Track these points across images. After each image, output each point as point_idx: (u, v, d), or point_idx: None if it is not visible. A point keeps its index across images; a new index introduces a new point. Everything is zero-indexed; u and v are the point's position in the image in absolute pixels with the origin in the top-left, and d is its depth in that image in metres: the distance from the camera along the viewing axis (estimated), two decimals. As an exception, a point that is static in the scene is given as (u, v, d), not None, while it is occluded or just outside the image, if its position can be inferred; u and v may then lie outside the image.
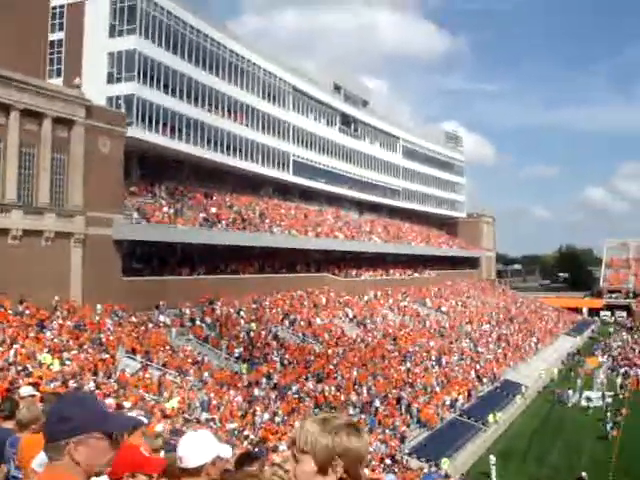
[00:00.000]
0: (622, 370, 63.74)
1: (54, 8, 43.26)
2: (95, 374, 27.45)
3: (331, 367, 42.03)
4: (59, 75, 42.94)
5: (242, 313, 44.67)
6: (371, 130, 79.97)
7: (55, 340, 29.04)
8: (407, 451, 36.95)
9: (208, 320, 41.19)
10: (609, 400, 51.63)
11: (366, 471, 25.51)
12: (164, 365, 32.54)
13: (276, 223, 55.91)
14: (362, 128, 77.72)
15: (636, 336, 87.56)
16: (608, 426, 44.11)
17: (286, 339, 44.22)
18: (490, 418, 44.67)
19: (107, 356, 29.79)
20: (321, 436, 2.38)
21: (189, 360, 34.65)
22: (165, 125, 45.66)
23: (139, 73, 43.07)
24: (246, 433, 28.40)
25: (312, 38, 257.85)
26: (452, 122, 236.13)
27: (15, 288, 30.34)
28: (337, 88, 74.63)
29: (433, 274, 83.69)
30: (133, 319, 36.01)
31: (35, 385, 14.55)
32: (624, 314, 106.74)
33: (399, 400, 41.71)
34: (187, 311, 40.87)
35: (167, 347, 34.93)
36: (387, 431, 37.29)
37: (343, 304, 57.36)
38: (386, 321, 58.68)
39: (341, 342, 47.88)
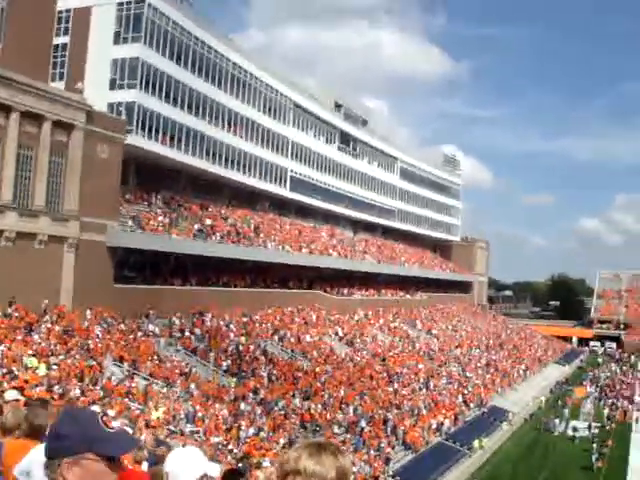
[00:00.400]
0: (609, 401, 63.68)
1: (60, 12, 43.26)
2: (81, 380, 27.23)
3: (318, 385, 41.81)
4: (61, 79, 42.99)
5: (232, 326, 44.48)
6: (370, 150, 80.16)
7: (42, 344, 28.85)
8: (391, 473, 36.70)
9: (197, 331, 40.98)
10: (595, 431, 51.57)
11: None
12: (151, 375, 32.32)
13: (270, 238, 55.82)
14: (361, 147, 77.90)
15: (625, 368, 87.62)
16: (593, 457, 43.98)
17: (275, 354, 44.00)
18: (476, 443, 44.47)
19: (94, 363, 29.57)
20: (287, 452, 2.32)
21: (176, 371, 34.43)
22: (165, 134, 45.66)
23: (141, 81, 43.11)
24: (230, 447, 28.19)
25: (315, 55, 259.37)
26: (451, 145, 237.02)
27: (5, 290, 30.14)
28: (338, 106, 74.83)
29: (425, 296, 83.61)
30: (122, 327, 35.80)
31: (20, 389, 14.38)
32: (614, 345, 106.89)
33: (385, 421, 41.49)
34: (177, 321, 40.66)
35: (155, 357, 34.70)
36: (372, 452, 37.04)
37: (333, 322, 57.19)
38: (376, 341, 58.50)
39: (330, 360, 47.68)
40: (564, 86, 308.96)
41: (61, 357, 28.36)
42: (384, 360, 53.39)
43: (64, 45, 44.08)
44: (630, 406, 61.19)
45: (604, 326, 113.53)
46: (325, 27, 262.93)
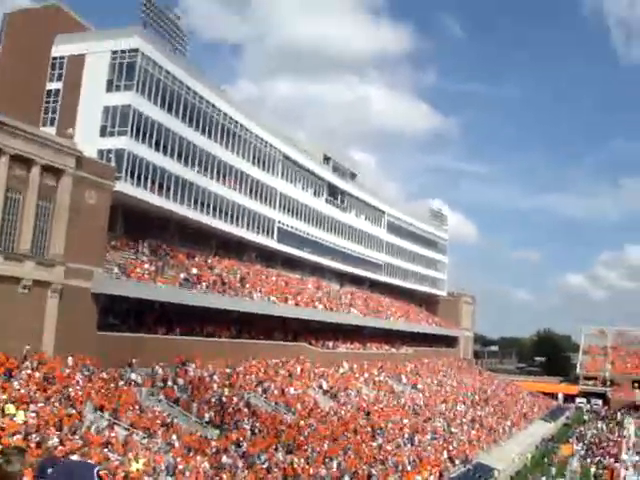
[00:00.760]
0: (596, 459, 63.01)
1: (54, 59, 43.78)
2: (60, 429, 26.62)
3: (302, 438, 41.12)
4: (52, 124, 43.18)
5: (215, 377, 43.88)
6: (357, 203, 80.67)
7: (22, 391, 28.25)
8: (375, 531, 35.93)
9: (180, 382, 40.37)
10: (582, 490, 50.86)
11: None
12: (132, 425, 31.68)
13: (256, 289, 55.56)
14: (349, 200, 78.35)
15: (611, 425, 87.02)
16: (580, 517, 43.29)
17: (258, 407, 43.35)
18: (461, 501, 43.73)
19: (74, 411, 28.96)
20: None
21: (158, 421, 33.78)
22: (153, 182, 45.69)
23: (132, 129, 43.30)
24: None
25: (305, 108, 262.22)
26: (437, 200, 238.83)
27: (-14, 335, 29.65)
28: (326, 159, 75.46)
29: (410, 350, 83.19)
30: (104, 375, 35.21)
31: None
32: (599, 402, 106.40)
33: (369, 477, 40.73)
34: (160, 371, 40.08)
35: (136, 406, 34.07)
36: (355, 508, 36.30)
37: (318, 375, 56.61)
38: (360, 395, 57.86)
39: (314, 414, 47.03)
40: (551, 143, 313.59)
41: (40, 404, 27.75)
42: (368, 414, 52.74)
43: (57, 91, 44.44)
44: (617, 464, 60.50)
45: (590, 382, 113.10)
46: (315, 81, 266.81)
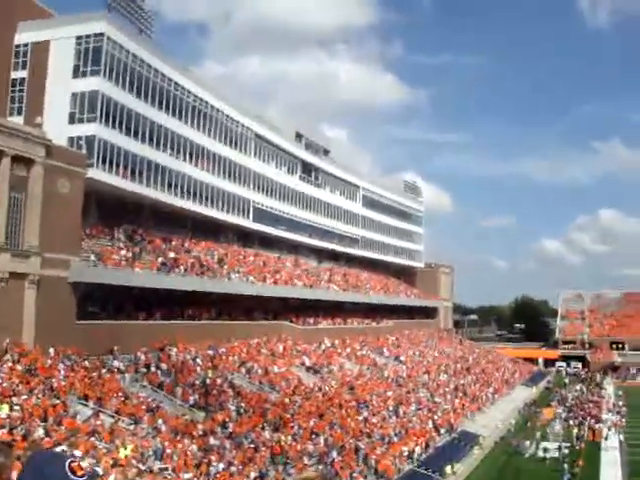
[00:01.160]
0: (577, 421, 64.04)
1: (18, 46, 43.02)
2: (45, 420, 26.54)
3: (288, 416, 41.33)
4: (20, 114, 42.50)
5: (198, 360, 43.89)
6: (332, 179, 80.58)
7: (4, 384, 28.09)
8: (364, 503, 36.32)
9: (163, 366, 40.33)
10: (565, 451, 51.69)
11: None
12: (117, 412, 31.64)
13: (235, 269, 55.50)
14: (323, 177, 78.24)
15: (591, 387, 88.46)
16: (565, 477, 44.02)
17: (242, 387, 43.49)
18: (447, 469, 44.24)
19: (58, 402, 28.87)
20: None
21: (143, 407, 33.77)
22: (126, 167, 45.28)
23: (101, 114, 42.79)
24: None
25: (274, 85, 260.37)
26: (411, 172, 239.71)
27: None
28: (299, 136, 75.16)
29: (391, 323, 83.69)
30: (86, 364, 35.08)
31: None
32: (579, 365, 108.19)
33: (356, 450, 41.11)
34: (142, 357, 40.01)
35: (120, 393, 34.01)
36: (344, 482, 36.62)
37: (300, 352, 56.83)
38: (343, 370, 58.21)
39: (298, 391, 47.26)
40: (521, 110, 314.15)
41: (24, 397, 27.62)
42: (352, 389, 53.10)
43: (22, 79, 43.65)
44: (598, 425, 61.61)
45: (569, 346, 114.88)
46: (283, 57, 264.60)
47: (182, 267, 48.33)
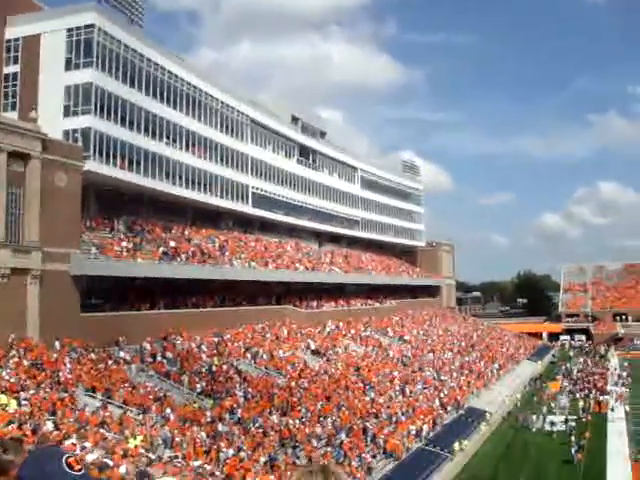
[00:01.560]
0: (583, 393, 64.37)
1: (8, 41, 42.80)
2: (54, 414, 26.67)
3: (295, 400, 41.53)
4: (14, 109, 42.36)
5: (203, 347, 44.05)
6: (329, 161, 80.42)
7: (11, 380, 28.20)
8: (374, 482, 36.57)
9: (169, 355, 40.50)
10: (572, 424, 52.02)
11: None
12: (125, 402, 31.79)
13: (236, 255, 55.56)
14: (320, 159, 78.08)
15: (596, 359, 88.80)
16: (573, 450, 44.29)
17: (249, 373, 43.66)
18: (456, 446, 44.50)
19: (66, 395, 29.00)
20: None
21: (150, 397, 33.91)
22: (123, 158, 45.18)
23: (96, 106, 42.64)
24: (212, 470, 27.78)
25: (268, 69, 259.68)
26: (409, 152, 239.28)
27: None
28: (295, 120, 74.93)
29: (394, 303, 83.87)
30: (92, 356, 35.21)
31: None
32: (583, 337, 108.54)
33: (364, 431, 41.32)
34: (147, 346, 40.15)
35: (127, 384, 34.16)
36: (353, 463, 36.83)
37: (305, 336, 57.00)
38: (348, 352, 58.40)
39: (304, 374, 47.44)
40: (516, 87, 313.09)
41: (32, 392, 27.74)
42: (358, 370, 53.31)
43: (15, 74, 43.46)
44: (604, 396, 61.89)
45: (572, 319, 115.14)
46: (277, 41, 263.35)
47: (183, 256, 48.37)
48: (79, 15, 43.02)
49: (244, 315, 52.57)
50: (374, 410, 45.49)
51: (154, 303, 45.24)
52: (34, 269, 33.90)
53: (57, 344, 33.76)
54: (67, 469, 2.49)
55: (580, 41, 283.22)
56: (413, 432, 44.61)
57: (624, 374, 74.34)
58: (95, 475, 17.32)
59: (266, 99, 75.89)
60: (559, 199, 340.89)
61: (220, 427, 33.60)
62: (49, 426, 24.98)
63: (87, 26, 42.72)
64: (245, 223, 65.09)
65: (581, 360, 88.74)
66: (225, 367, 42.41)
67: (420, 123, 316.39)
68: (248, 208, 61.98)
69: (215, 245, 54.91)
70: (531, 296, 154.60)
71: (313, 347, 54.94)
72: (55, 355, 32.93)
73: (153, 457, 25.44)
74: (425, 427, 46.00)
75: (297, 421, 38.47)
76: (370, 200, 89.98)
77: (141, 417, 30.74)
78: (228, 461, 29.88)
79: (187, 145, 52.66)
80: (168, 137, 50.21)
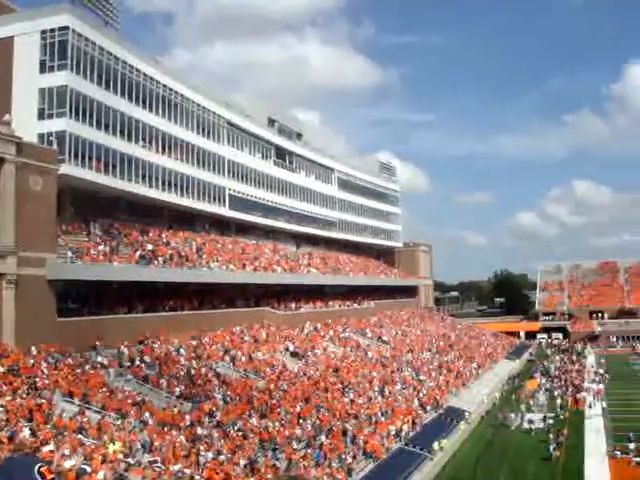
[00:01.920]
0: (561, 391, 64.90)
1: (-19, 44, 42.37)
2: (30, 420, 26.38)
3: (274, 402, 41.44)
4: (-13, 112, 41.88)
5: (182, 351, 43.83)
6: (306, 162, 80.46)
7: (-13, 386, 27.87)
8: (354, 484, 36.57)
9: (147, 359, 40.24)
10: (550, 421, 52.43)
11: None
12: (103, 407, 31.52)
13: (213, 258, 55.37)
14: (297, 161, 78.09)
15: (573, 357, 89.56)
16: (551, 447, 44.63)
17: (227, 375, 43.52)
18: (436, 446, 44.63)
19: (43, 401, 28.71)
20: None
21: (129, 401, 33.66)
22: (98, 161, 44.86)
23: (71, 109, 42.28)
24: (192, 473, 27.63)
25: (242, 71, 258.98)
26: (386, 153, 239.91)
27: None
28: (271, 122, 74.93)
29: (372, 304, 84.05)
30: (69, 361, 34.88)
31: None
32: (560, 336, 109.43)
33: (344, 432, 41.33)
34: (125, 351, 39.85)
35: (105, 389, 33.88)
36: (334, 464, 36.82)
37: (283, 337, 56.92)
38: (327, 353, 58.41)
39: (283, 376, 47.37)
40: (491, 87, 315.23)
41: (8, 398, 27.43)
42: (337, 371, 53.32)
43: (-13, 77, 42.98)
44: (581, 394, 62.44)
45: (549, 318, 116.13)
46: (251, 42, 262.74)
47: (161, 259, 48.12)
48: (53, 17, 42.63)
49: (222, 318, 52.41)
50: (353, 411, 45.51)
51: (132, 307, 44.93)
52: (9, 274, 33.54)
53: (34, 349, 33.40)
54: (39, 478, 2.46)
55: (553, 41, 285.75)
56: (393, 432, 44.68)
57: (601, 371, 75.10)
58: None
59: (242, 101, 75.88)
60: (535, 198, 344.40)
61: (199, 430, 33.43)
62: (26, 433, 24.70)
63: (61, 28, 42.35)
64: (222, 225, 64.92)
65: (558, 358, 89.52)
66: (204, 370, 42.23)
67: (397, 123, 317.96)
68: (225, 210, 61.82)
69: (192, 248, 54.69)
70: (508, 295, 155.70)
71: (292, 349, 54.88)
72: (32, 361, 32.57)
73: (132, 462, 25.27)
74: (405, 427, 46.09)
75: (277, 423, 38.35)
76: (347, 201, 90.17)
77: (120, 422, 30.50)
78: (208, 464, 29.73)
79: (163, 147, 52.43)
80: (144, 139, 49.95)
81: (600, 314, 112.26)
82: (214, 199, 59.93)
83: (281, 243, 76.05)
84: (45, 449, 22.20)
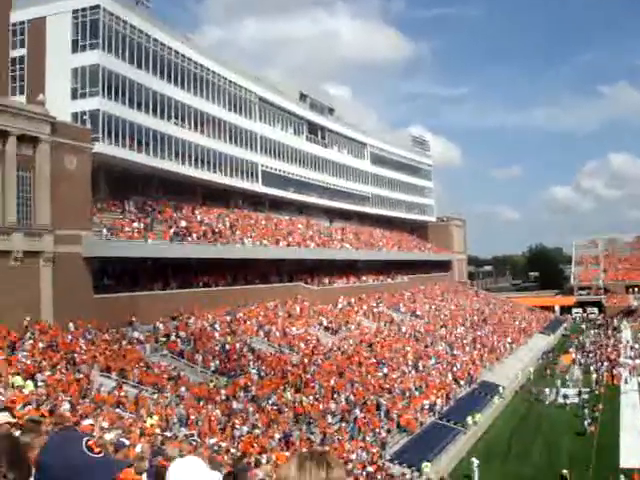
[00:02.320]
0: (596, 366, 64.40)
1: (14, 25, 42.62)
2: (70, 394, 26.93)
3: (308, 376, 41.80)
4: (22, 92, 42.26)
5: (216, 326, 44.31)
6: (338, 138, 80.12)
7: (27, 362, 28.48)
8: (388, 457, 36.85)
9: (182, 335, 40.76)
10: (585, 396, 52.16)
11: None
12: (140, 382, 32.10)
13: (247, 234, 55.65)
14: (329, 136, 77.80)
15: (608, 331, 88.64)
16: (586, 422, 44.47)
17: (262, 350, 43.92)
18: (469, 420, 44.75)
19: (81, 376, 29.28)
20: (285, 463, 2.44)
21: (165, 376, 34.22)
22: (132, 139, 45.22)
23: (103, 88, 42.60)
24: (227, 447, 28.05)
25: (274, 47, 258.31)
26: (418, 127, 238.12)
27: (-16, 311, 29.73)
28: (303, 97, 74.62)
29: (406, 279, 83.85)
30: (106, 337, 35.48)
31: (9, 410, 14.10)
32: (595, 310, 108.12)
33: (378, 406, 41.59)
34: (161, 326, 40.41)
35: (142, 364, 34.45)
36: (367, 438, 37.14)
37: (317, 313, 57.19)
38: (361, 328, 58.60)
39: (317, 351, 47.69)
40: (523, 60, 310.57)
41: (47, 373, 28.02)
42: (371, 346, 53.51)
43: (21, 58, 43.34)
44: (616, 369, 61.93)
45: (584, 292, 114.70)
46: (282, 18, 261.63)
47: (195, 235, 48.49)
48: (84, -4, 42.83)
49: (256, 293, 52.76)
50: (387, 386, 45.74)
51: (166, 283, 45.49)
52: (46, 252, 34.08)
53: (71, 325, 34.02)
54: (88, 452, 2.54)
55: (590, 12, 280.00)
56: (427, 407, 44.88)
57: (637, 346, 74.27)
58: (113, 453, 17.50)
59: (273, 76, 75.74)
60: (569, 171, 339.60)
61: (234, 405, 33.91)
62: (66, 407, 25.24)
63: (92, 7, 42.55)
64: (255, 201, 65.09)
65: (593, 333, 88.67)
66: (238, 345, 42.67)
67: (428, 97, 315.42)
68: (258, 186, 61.96)
69: (226, 224, 54.98)
70: (543, 270, 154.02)
71: (325, 324, 55.14)
72: (70, 337, 33.21)
73: (169, 435, 25.70)
74: (438, 401, 46.24)
75: (311, 398, 38.73)
76: (380, 176, 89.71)
77: (156, 396, 31.03)
78: (243, 438, 30.18)
79: (195, 124, 52.60)
80: (176, 117, 50.15)
81: (636, 288, 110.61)
82: (247, 175, 60.08)
83: (314, 218, 76.05)
84: (85, 422, 22.67)
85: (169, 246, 44.96)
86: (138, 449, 20.05)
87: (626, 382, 57.15)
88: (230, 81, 58.09)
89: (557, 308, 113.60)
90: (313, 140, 73.75)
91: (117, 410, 27.18)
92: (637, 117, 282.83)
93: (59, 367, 29.23)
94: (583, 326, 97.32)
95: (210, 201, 57.66)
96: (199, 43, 59.22)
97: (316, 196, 73.32)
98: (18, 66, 43.11)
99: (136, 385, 31.58)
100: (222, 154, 55.92)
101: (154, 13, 50.23)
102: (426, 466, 35.95)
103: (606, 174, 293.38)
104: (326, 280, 66.52)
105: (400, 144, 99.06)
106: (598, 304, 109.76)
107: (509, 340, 74.01)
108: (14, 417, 10.03)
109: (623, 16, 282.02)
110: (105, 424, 23.14)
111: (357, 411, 39.44)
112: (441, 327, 69.59)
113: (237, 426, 31.17)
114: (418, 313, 72.33)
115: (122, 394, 29.54)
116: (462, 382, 53.26)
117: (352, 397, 41.23)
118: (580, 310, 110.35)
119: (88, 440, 2.63)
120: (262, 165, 62.40)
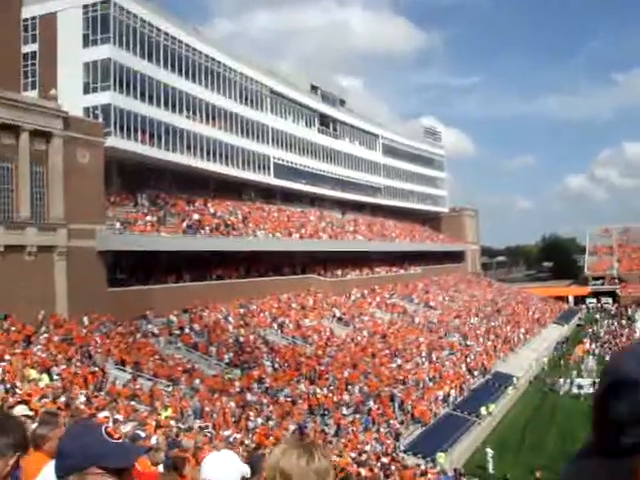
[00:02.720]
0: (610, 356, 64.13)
1: (25, 20, 42.76)
2: (85, 388, 27.12)
3: (322, 368, 41.86)
4: (34, 88, 42.47)
5: (230, 318, 44.47)
6: (350, 129, 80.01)
7: (43, 355, 28.69)
8: (402, 448, 36.89)
9: (196, 327, 40.92)
10: (600, 387, 51.92)
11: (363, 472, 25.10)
12: (154, 375, 32.27)
13: (259, 227, 55.74)
14: (341, 127, 77.70)
15: (622, 322, 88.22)
16: (601, 412, 44.25)
17: (276, 342, 44.04)
18: (483, 411, 44.70)
19: (96, 369, 29.47)
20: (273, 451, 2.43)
21: (179, 368, 34.39)
22: (144, 133, 45.37)
23: (115, 82, 42.76)
24: (242, 439, 28.17)
25: (284, 38, 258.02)
26: (429, 117, 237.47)
27: (-1, 305, 29.96)
28: (314, 88, 74.53)
29: (419, 270, 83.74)
30: (121, 330, 35.69)
31: (26, 403, 14.28)
32: (610, 300, 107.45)
33: (392, 398, 41.61)
34: (175, 319, 40.59)
35: (156, 356, 34.64)
36: (382, 429, 37.19)
37: (330, 304, 57.24)
38: (374, 319, 58.63)
39: (331, 343, 47.77)
40: (536, 49, 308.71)
41: (63, 366, 28.22)
42: (384, 337, 53.54)
43: (33, 53, 43.54)
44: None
45: (599, 282, 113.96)
46: (292, 9, 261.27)
47: (207, 228, 48.63)
48: (95, -9, 42.92)
49: (269, 285, 52.87)
50: (401, 377, 45.74)
51: (179, 276, 45.65)
52: (60, 246, 34.29)
53: (86, 319, 34.23)
54: (107, 437, 2.58)
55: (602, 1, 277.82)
56: (440, 398, 44.86)
57: (652, 335, 73.95)
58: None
59: (284, 68, 75.62)
60: (583, 161, 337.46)
61: (249, 397, 34.02)
62: (81, 399, 25.41)
63: (103, 1, 42.67)
64: (267, 194, 65.16)
65: (607, 322, 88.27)
66: (252, 337, 42.80)
67: (440, 88, 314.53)
68: (270, 179, 62.02)
69: (238, 217, 55.08)
70: (556, 259, 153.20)
71: (339, 315, 55.19)
72: (84, 330, 33.42)
73: (183, 427, 25.84)
74: (452, 392, 46.22)
75: (325, 389, 38.81)
76: (392, 167, 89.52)
77: (171, 389, 31.19)
78: (258, 430, 30.27)
79: (207, 117, 52.69)
80: (188, 110, 50.25)
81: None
82: (259, 168, 60.14)
83: (326, 210, 76.05)
84: (100, 415, 22.84)
85: (182, 239, 45.11)
86: (153, 441, 20.21)
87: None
88: (241, 74, 58.11)
89: (571, 298, 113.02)
90: (325, 132, 73.69)
91: (132, 403, 27.34)
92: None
93: (74, 360, 29.43)
94: (597, 316, 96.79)
95: (222, 194, 57.76)
96: (210, 36, 59.35)
97: (328, 188, 73.29)
98: (30, 61, 43.26)
99: (151, 378, 31.75)
100: (234, 147, 56.00)
101: (164, 6, 50.45)
102: (440, 457, 35.97)
103: (620, 163, 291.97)
104: (339, 272, 66.55)
105: (412, 135, 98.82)
106: (612, 294, 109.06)
107: (523, 330, 73.80)
108: (31, 410, 10.13)
109: (638, 2, 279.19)
110: (120, 417, 23.32)
111: (371, 402, 39.48)
112: (455, 318, 69.47)
113: (251, 418, 31.27)
114: (431, 304, 72.26)
115: (137, 387, 29.72)
116: (476, 373, 53.20)
117: (366, 388, 41.27)
118: (594, 300, 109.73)
119: (107, 427, 2.67)
120: (274, 157, 62.44)
